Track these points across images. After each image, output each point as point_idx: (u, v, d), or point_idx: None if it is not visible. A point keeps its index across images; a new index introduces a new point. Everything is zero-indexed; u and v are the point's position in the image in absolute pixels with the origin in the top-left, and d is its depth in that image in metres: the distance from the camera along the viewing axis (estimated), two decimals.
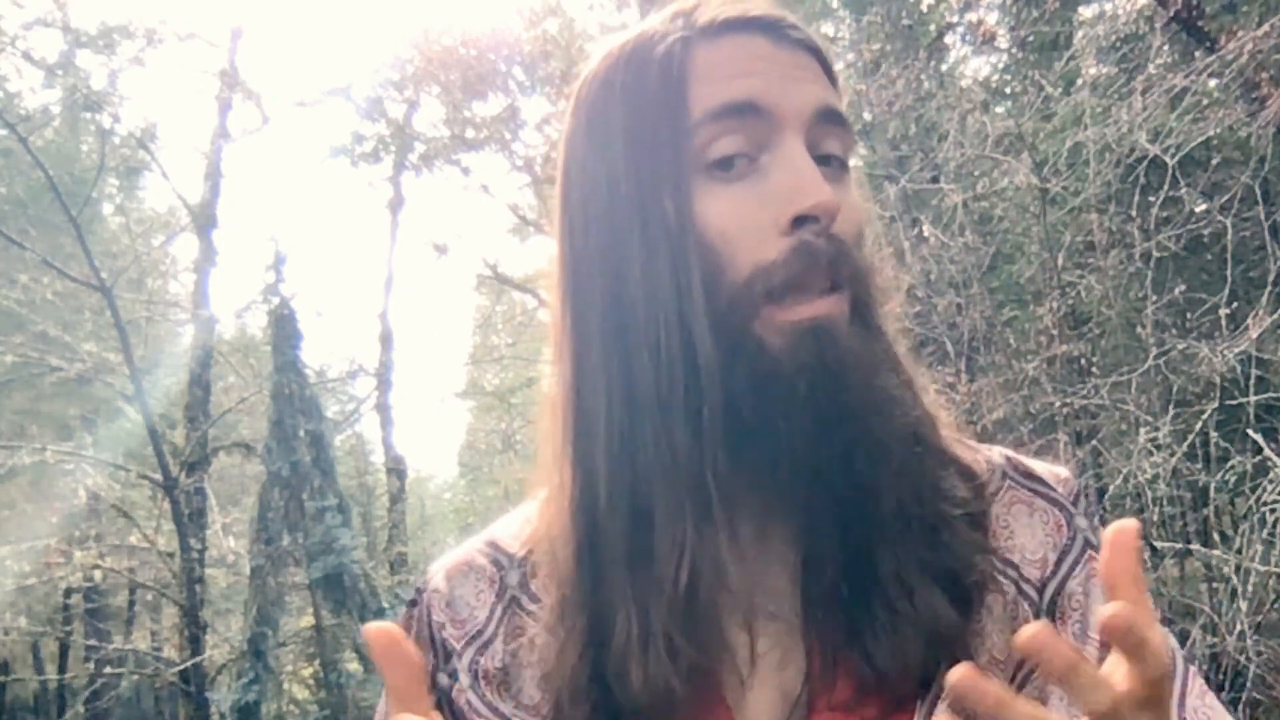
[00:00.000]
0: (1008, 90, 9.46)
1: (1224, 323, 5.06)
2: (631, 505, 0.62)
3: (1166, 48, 6.94)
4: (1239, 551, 4.48)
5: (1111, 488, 5.11)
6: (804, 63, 0.65)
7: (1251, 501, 4.58)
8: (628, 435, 0.63)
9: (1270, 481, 4.48)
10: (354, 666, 8.28)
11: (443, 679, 0.72)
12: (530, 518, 0.71)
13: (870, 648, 0.60)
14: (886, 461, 0.61)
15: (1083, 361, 6.11)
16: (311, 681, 9.96)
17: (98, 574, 10.31)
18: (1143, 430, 5.02)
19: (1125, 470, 4.90)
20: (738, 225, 0.61)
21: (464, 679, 0.70)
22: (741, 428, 0.62)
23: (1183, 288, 5.55)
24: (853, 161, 0.69)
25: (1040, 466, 0.73)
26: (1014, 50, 9.84)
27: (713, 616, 0.62)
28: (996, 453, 0.73)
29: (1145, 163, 5.85)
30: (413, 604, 0.75)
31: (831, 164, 0.65)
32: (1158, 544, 4.88)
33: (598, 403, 0.64)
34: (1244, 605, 4.27)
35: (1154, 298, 5.54)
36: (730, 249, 0.61)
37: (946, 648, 0.61)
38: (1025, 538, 0.68)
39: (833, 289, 0.62)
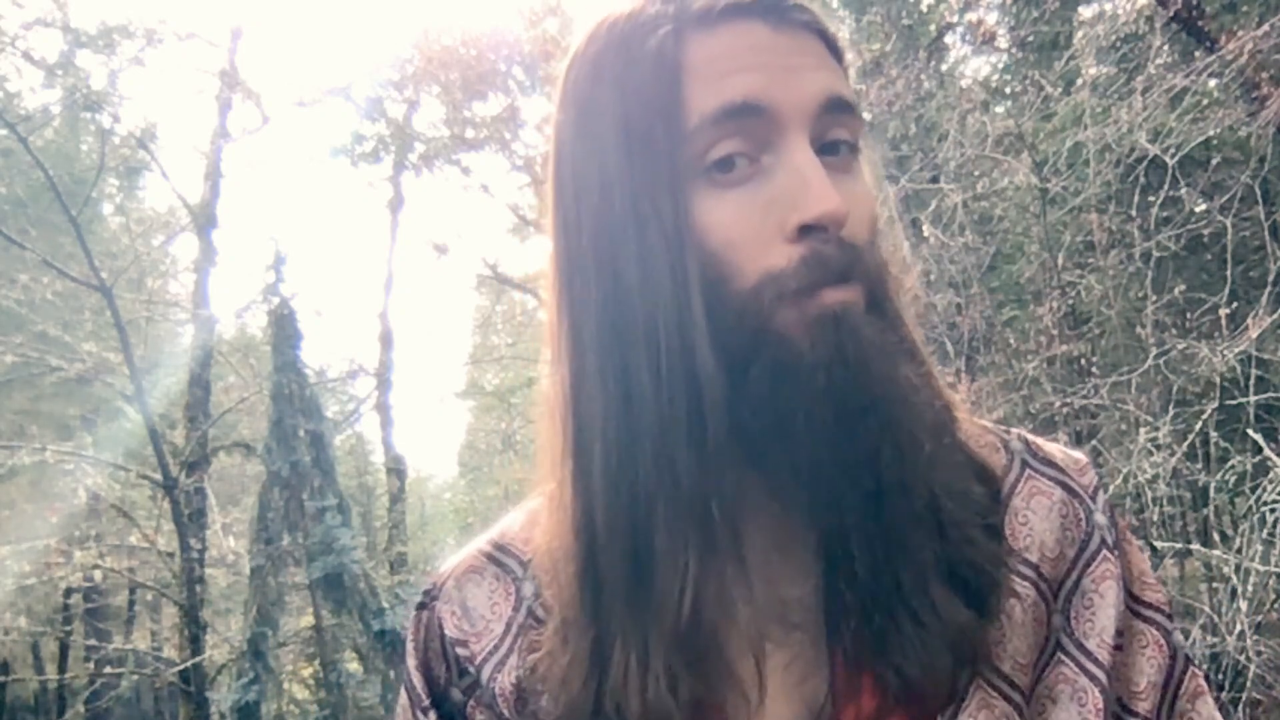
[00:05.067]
0: (1008, 90, 9.45)
1: (1224, 323, 5.06)
2: (631, 531, 0.59)
3: (1166, 48, 6.93)
4: (1239, 551, 4.48)
5: (1111, 488, 5.11)
6: (807, 47, 0.60)
7: (1251, 501, 4.57)
8: (626, 455, 0.59)
9: (1270, 481, 4.48)
10: (354, 666, 8.27)
11: (455, 694, 0.70)
12: (537, 517, 0.68)
13: (897, 658, 0.58)
14: (915, 454, 0.58)
15: (1083, 361, 6.12)
16: (311, 681, 9.96)
17: (98, 574, 10.32)
18: (1143, 430, 5.01)
19: (1125, 470, 4.90)
20: (741, 233, 0.58)
21: (483, 694, 0.67)
22: (753, 439, 0.59)
23: (1183, 288, 5.56)
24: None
25: (1059, 452, 0.71)
26: (1014, 50, 9.84)
27: (716, 647, 0.59)
28: (1015, 436, 0.71)
29: (1145, 163, 5.86)
30: (421, 607, 0.72)
31: (840, 150, 0.61)
32: (1158, 544, 4.88)
33: (594, 417, 0.60)
34: (1244, 605, 4.27)
35: (1154, 298, 5.54)
36: (735, 257, 0.58)
37: (970, 657, 0.60)
38: (1044, 531, 0.66)
39: (846, 282, 0.58)
